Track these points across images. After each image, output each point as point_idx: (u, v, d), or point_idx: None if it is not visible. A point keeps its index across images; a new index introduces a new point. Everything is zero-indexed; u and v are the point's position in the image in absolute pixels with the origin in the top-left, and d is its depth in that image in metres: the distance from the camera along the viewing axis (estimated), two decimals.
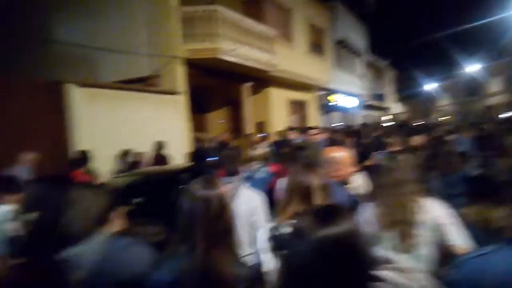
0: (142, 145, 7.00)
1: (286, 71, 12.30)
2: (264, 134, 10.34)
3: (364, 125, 15.91)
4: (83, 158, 5.25)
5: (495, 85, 27.56)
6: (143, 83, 8.20)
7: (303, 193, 2.02)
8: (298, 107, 15.43)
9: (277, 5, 12.44)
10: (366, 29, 23.24)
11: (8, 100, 5.51)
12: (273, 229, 2.04)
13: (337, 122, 19.29)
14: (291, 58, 12.89)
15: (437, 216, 2.08)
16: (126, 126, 7.16)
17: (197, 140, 8.18)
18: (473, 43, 34.09)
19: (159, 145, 7.24)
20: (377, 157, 4.29)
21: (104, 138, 6.58)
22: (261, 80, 12.00)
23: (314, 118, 16.42)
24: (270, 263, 2.14)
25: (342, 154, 2.96)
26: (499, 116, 16.95)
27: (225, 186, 1.73)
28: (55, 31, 9.72)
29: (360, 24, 22.09)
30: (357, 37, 21.31)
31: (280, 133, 9.21)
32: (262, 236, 2.22)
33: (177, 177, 4.70)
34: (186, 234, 1.52)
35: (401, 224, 2.07)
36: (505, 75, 24.71)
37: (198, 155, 6.89)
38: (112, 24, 8.83)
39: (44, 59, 9.32)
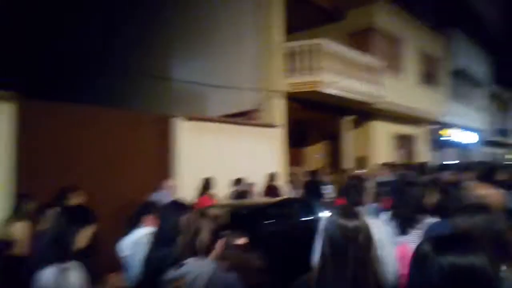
0: (240, 175, 7.06)
1: (391, 103, 11.46)
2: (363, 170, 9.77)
3: (481, 163, 13.86)
4: (207, 184, 6.25)
5: None
6: (244, 117, 8.38)
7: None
8: (405, 141, 14.20)
9: (386, 35, 11.81)
10: (489, 57, 20.74)
11: (124, 132, 6.05)
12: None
13: (451, 159, 17.25)
14: (399, 90, 11.99)
15: None
16: (226, 157, 7.32)
17: (292, 174, 7.95)
18: None
19: (272, 176, 7.48)
20: None
21: (206, 168, 6.78)
22: (364, 113, 11.38)
23: (423, 153, 14.91)
24: None
25: (493, 193, 2.58)
26: None
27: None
28: (170, 69, 10.71)
29: (483, 52, 19.81)
30: (478, 66, 19.08)
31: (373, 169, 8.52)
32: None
33: (265, 211, 4.62)
34: (333, 262, 1.55)
35: None
36: None
37: (310, 187, 6.76)
38: (223, 62, 9.33)
39: (160, 96, 10.31)
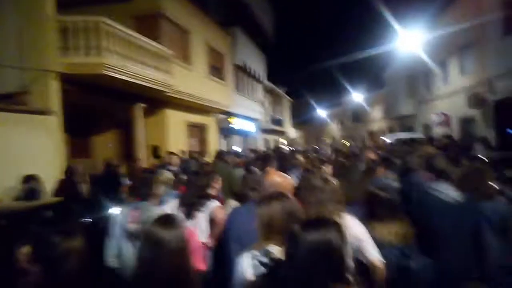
0: (5, 174, 5.72)
1: (184, 93, 11.77)
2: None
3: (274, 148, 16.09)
4: None
5: (376, 112, 30.95)
6: (9, 102, 6.81)
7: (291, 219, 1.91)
8: (198, 130, 14.95)
9: (175, 24, 11.97)
10: (264, 57, 24.12)
11: None
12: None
13: (237, 145, 19.30)
14: (190, 80, 12.43)
15: (355, 233, 2.27)
16: None
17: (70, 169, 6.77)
18: (358, 74, 38.27)
19: (69, 171, 6.10)
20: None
21: None
22: (157, 101, 11.24)
23: (214, 141, 16.09)
24: None
25: (284, 179, 2.84)
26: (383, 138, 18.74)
27: None
28: None
29: (259, 52, 22.84)
30: (257, 64, 21.91)
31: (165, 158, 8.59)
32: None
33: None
34: (151, 266, 1.73)
35: None
36: (384, 104, 27.85)
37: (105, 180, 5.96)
38: None
39: None
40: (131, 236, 2.88)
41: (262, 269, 1.84)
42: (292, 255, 1.50)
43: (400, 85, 23.21)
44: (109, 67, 7.73)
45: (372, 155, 6.26)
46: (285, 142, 32.36)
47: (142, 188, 3.18)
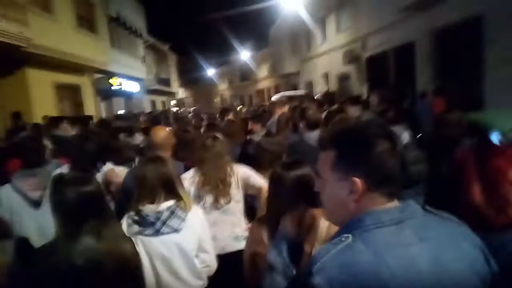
0: None
1: (47, 48, 9.95)
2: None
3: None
4: None
5: (263, 71, 31.57)
6: None
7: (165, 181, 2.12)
8: (70, 92, 13.06)
9: None
10: (143, 9, 22.07)
11: None
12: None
13: (120, 108, 17.67)
14: (54, 33, 10.55)
15: (243, 172, 2.80)
16: None
17: None
18: (246, 30, 38.10)
19: None
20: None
21: None
22: (13, 59, 9.29)
23: (91, 105, 14.35)
24: None
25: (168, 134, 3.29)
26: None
27: None
28: None
29: (136, 2, 20.75)
30: (135, 16, 19.94)
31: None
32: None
33: None
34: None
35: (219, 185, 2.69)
36: (271, 62, 28.44)
37: None
38: None
39: None
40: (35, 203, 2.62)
41: (136, 228, 2.02)
42: (277, 192, 1.76)
43: (284, 43, 23.84)
44: None
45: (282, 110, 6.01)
46: (174, 103, 31.16)
47: (32, 154, 2.86)
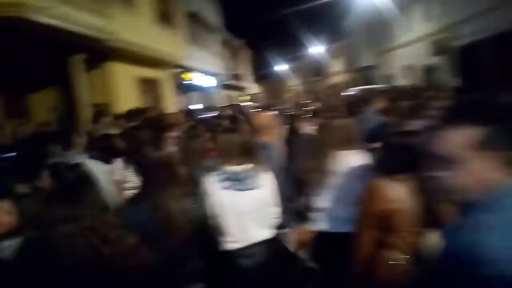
0: None
1: (130, 42, 10.37)
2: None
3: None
4: None
5: (337, 65, 30.42)
6: None
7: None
8: (150, 86, 13.61)
9: None
10: (219, 5, 22.41)
11: None
12: None
13: (196, 102, 18.16)
14: (135, 28, 10.96)
15: None
16: None
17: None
18: (318, 24, 37.08)
19: None
20: None
21: None
22: (99, 52, 9.82)
23: (170, 98, 14.86)
24: None
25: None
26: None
27: None
28: None
29: None
30: (211, 12, 20.31)
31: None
32: None
33: None
34: None
35: None
36: (345, 56, 27.30)
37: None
38: None
39: None
40: None
41: (227, 184, 2.42)
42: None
43: (360, 35, 22.61)
44: (31, 8, 6.32)
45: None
46: (248, 98, 31.43)
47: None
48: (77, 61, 9.14)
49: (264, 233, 2.52)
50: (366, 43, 22.16)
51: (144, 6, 12.03)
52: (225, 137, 2.60)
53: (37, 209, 1.77)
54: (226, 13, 23.30)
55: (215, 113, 10.03)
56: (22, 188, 3.01)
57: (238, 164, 2.48)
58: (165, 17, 13.76)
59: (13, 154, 4.95)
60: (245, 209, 2.43)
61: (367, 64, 22.31)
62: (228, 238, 2.47)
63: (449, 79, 13.06)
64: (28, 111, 10.57)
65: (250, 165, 2.48)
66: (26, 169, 3.65)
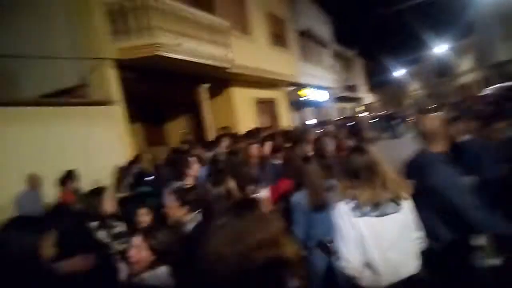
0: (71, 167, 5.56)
1: (247, 67, 10.98)
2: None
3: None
4: (68, 177, 5.30)
5: (465, 64, 27.13)
6: (69, 96, 6.68)
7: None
8: (267, 106, 14.14)
9: None
10: (329, 18, 22.29)
11: None
12: None
13: (311, 118, 18.19)
14: (252, 52, 11.59)
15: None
16: (51, 147, 5.71)
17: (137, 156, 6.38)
18: (438, 23, 33.79)
19: (68, 175, 5.46)
20: None
21: (24, 164, 5.17)
22: (220, 80, 10.63)
23: (286, 116, 15.19)
24: None
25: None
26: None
27: None
28: None
29: (323, 13, 21.10)
30: (321, 27, 20.31)
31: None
32: None
33: None
34: None
35: None
36: (474, 52, 24.21)
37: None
38: (30, 30, 7.29)
39: None
40: None
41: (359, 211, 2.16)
42: None
43: (494, 27, 19.75)
44: (162, 47, 7.19)
45: None
46: (362, 109, 30.23)
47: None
48: (203, 89, 10.05)
49: (411, 265, 2.19)
50: (503, 35, 19.26)
51: (258, 31, 12.66)
52: (353, 158, 2.27)
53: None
54: (336, 26, 23.02)
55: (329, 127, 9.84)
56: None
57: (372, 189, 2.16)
58: (278, 38, 14.23)
59: (152, 177, 5.47)
60: (389, 237, 2.13)
61: (503, 59, 19.32)
62: (372, 275, 2.15)
63: None
64: (165, 138, 11.98)
65: (386, 190, 2.16)
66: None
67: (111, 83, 6.89)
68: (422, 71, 37.92)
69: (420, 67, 37.80)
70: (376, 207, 2.13)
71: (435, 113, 2.76)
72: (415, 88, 40.89)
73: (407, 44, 39.85)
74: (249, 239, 1.21)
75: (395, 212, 2.15)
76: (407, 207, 2.20)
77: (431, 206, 2.39)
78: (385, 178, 2.19)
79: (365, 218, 2.13)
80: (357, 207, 2.15)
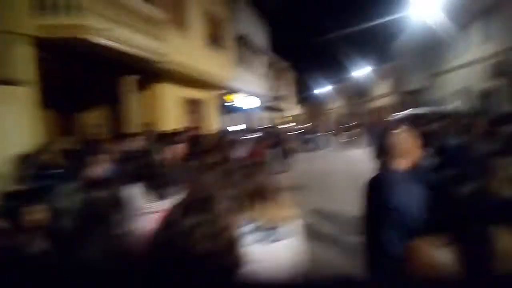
0: None
1: (178, 64, 10.59)
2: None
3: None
4: None
5: (383, 88, 29.59)
6: None
7: None
8: (195, 107, 13.81)
9: None
10: (267, 27, 22.68)
11: None
12: None
13: (238, 123, 18.21)
14: (186, 49, 11.22)
15: None
16: None
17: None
18: (364, 46, 36.54)
19: None
20: None
21: None
22: (149, 73, 10.09)
23: (213, 119, 14.99)
24: None
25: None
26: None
27: None
28: None
29: (261, 21, 21.40)
30: (258, 35, 20.55)
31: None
32: None
33: None
34: None
35: None
36: (392, 78, 26.51)
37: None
38: None
39: None
40: None
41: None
42: None
43: (410, 57, 21.87)
44: (89, 30, 6.57)
45: None
46: (289, 119, 31.26)
47: None
48: (130, 81, 9.44)
49: None
50: (416, 65, 21.39)
51: (195, 29, 12.33)
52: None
53: None
54: (272, 35, 23.53)
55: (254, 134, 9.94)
56: None
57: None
58: (215, 40, 14.03)
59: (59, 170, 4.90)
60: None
61: (416, 87, 21.46)
62: None
63: (508, 104, 12.14)
64: (80, 128, 10.96)
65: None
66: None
67: (23, 61, 6.08)
68: (344, 90, 40.57)
69: (344, 86, 40.42)
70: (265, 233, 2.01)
71: (402, 128, 2.46)
72: (337, 105, 43.54)
73: (334, 64, 42.43)
74: None
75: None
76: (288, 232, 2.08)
77: (394, 226, 2.19)
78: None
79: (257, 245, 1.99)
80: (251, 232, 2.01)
